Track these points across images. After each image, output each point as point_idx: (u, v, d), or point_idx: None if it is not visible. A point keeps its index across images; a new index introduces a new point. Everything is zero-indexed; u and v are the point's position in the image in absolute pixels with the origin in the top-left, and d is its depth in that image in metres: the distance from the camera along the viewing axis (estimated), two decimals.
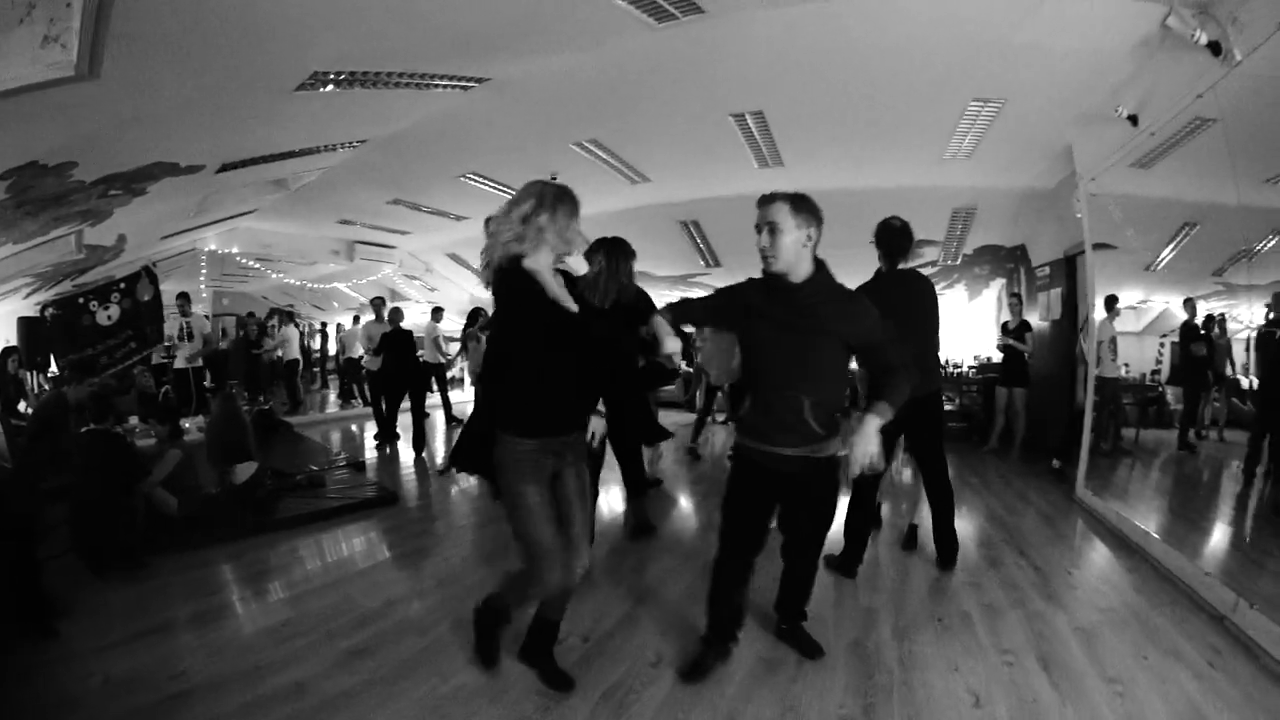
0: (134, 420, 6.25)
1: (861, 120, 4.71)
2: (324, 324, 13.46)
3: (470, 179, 6.16)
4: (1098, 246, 4.69)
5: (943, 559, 3.24)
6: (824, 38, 3.56)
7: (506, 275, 1.89)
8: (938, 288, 3.85)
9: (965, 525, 4.04)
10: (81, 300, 6.67)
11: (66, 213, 4.64)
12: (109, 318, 6.68)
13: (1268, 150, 4.48)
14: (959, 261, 7.73)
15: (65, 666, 2.33)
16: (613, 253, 3.27)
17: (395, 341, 6.29)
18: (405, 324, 6.49)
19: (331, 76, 3.55)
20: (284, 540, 3.67)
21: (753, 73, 4.00)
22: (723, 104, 4.49)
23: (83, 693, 2.17)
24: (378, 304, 6.86)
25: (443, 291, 11.05)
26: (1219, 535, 4.13)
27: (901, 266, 3.10)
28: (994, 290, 8.44)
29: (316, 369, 12.67)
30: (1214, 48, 3.13)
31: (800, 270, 1.96)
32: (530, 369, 1.92)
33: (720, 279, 9.32)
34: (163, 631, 2.60)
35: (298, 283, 11.21)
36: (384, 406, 6.55)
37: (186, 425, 5.97)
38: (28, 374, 6.72)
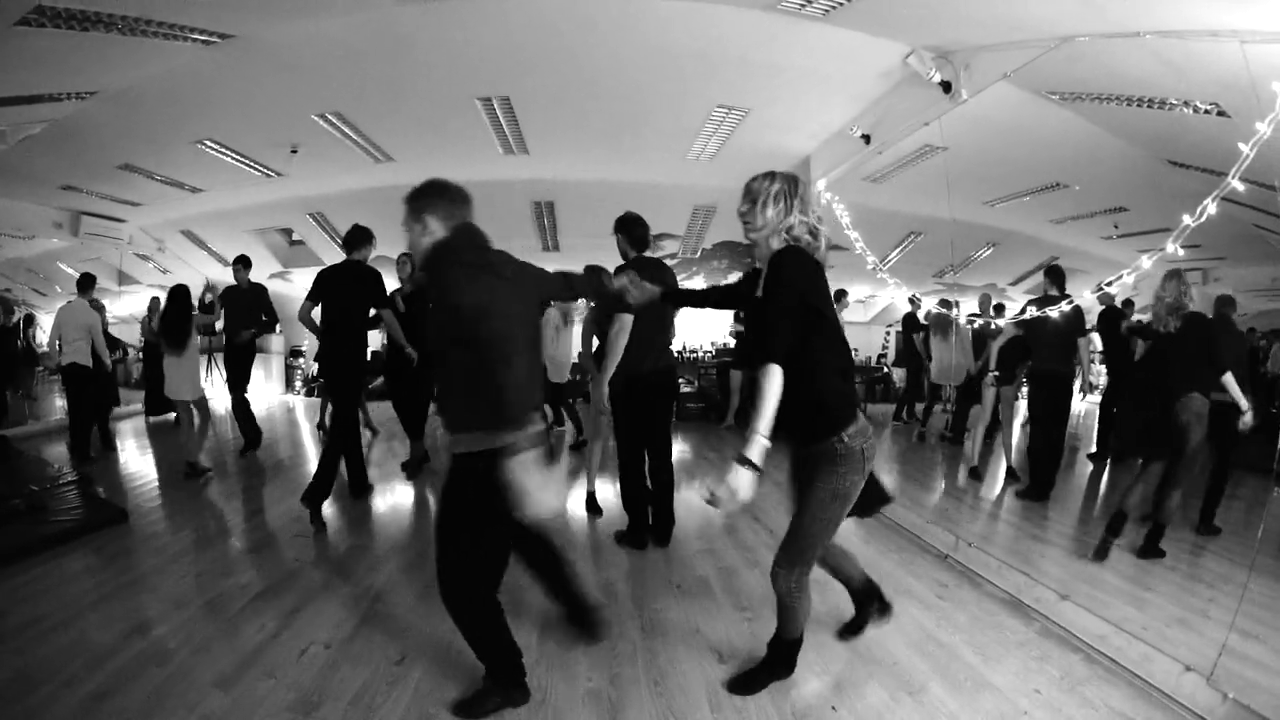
0: None
1: (608, 114, 4.98)
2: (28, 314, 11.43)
3: (207, 146, 5.69)
4: (829, 248, 5.47)
5: (660, 537, 3.49)
6: (574, 30, 3.72)
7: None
8: (679, 279, 4.28)
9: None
10: None
11: None
12: None
13: (985, 177, 5.45)
14: (699, 255, 8.44)
15: None
16: None
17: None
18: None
19: (61, 13, 3.15)
20: (3, 578, 3.17)
21: (502, 58, 4.08)
22: (470, 86, 4.54)
23: None
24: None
25: (176, 273, 9.75)
26: (937, 489, 5.03)
27: (647, 254, 3.38)
28: (730, 282, 9.41)
29: (40, 369, 10.70)
30: (945, 86, 3.69)
31: None
32: None
33: None
34: None
35: (12, 257, 9.34)
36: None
37: None
38: None
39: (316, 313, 4.07)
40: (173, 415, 5.72)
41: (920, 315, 6.80)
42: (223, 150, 5.70)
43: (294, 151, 5.57)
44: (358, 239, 4.11)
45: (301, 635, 2.56)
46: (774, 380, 1.81)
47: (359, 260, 4.10)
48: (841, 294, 6.28)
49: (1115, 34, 2.99)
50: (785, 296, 1.88)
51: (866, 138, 4.60)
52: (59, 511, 4.02)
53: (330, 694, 2.13)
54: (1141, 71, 3.26)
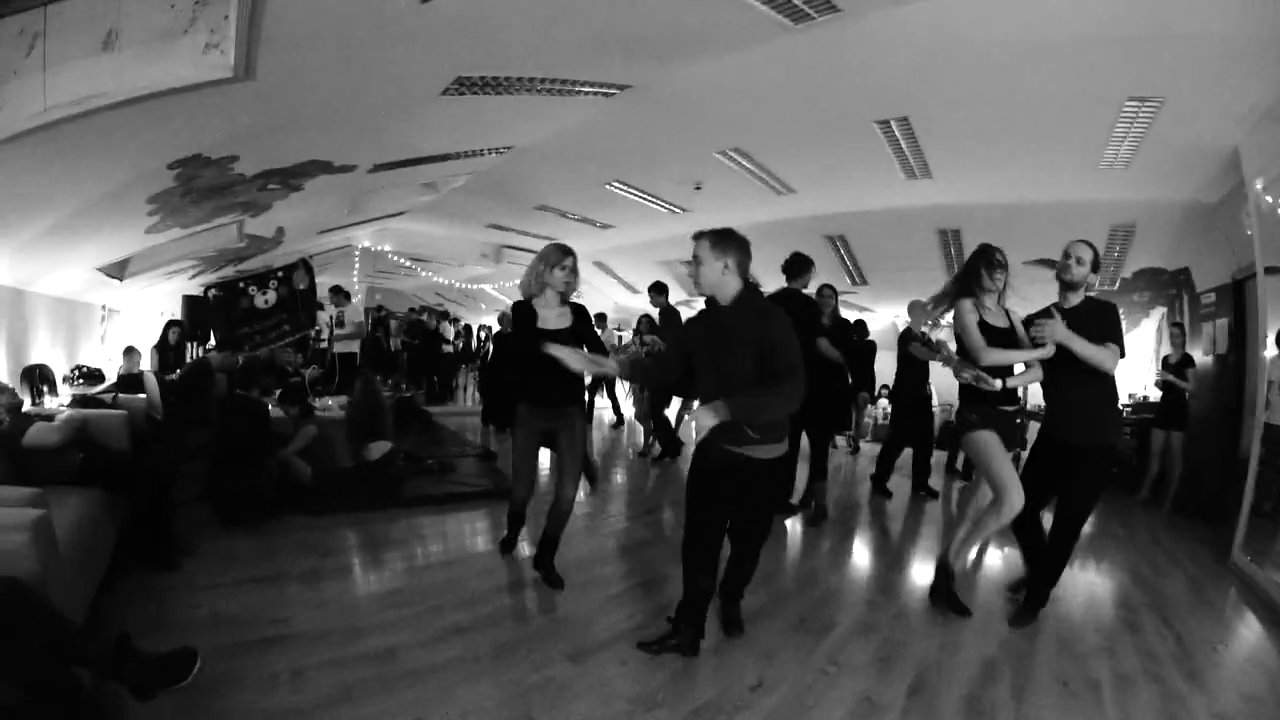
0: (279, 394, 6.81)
1: (1010, 126, 4.33)
2: (466, 325, 13.83)
3: (615, 187, 6.22)
4: (1270, 270, 3.95)
5: (1024, 611, 2.94)
6: (966, 35, 3.32)
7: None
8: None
9: (1105, 581, 3.69)
10: (242, 285, 7.43)
11: (229, 203, 4.93)
12: (265, 302, 7.44)
13: None
14: (1117, 286, 6.83)
15: (177, 596, 2.53)
16: None
17: None
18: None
19: (477, 81, 3.63)
20: (407, 518, 3.84)
21: (894, 76, 3.79)
22: (866, 110, 4.29)
23: (186, 621, 2.34)
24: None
25: (587, 299, 11.38)
26: None
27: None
28: (1154, 320, 7.35)
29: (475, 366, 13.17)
30: None
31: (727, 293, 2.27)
32: None
33: (866, 298, 8.83)
34: (275, 580, 2.78)
35: (447, 282, 11.87)
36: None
37: (330, 403, 6.36)
38: (187, 345, 7.37)
39: None
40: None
41: None
42: (629, 190, 6.28)
43: (698, 188, 5.91)
44: (800, 267, 4.20)
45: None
46: None
47: (797, 289, 4.20)
48: None
49: None
50: None
51: None
52: (464, 475, 4.81)
53: (674, 698, 2.13)
54: None
